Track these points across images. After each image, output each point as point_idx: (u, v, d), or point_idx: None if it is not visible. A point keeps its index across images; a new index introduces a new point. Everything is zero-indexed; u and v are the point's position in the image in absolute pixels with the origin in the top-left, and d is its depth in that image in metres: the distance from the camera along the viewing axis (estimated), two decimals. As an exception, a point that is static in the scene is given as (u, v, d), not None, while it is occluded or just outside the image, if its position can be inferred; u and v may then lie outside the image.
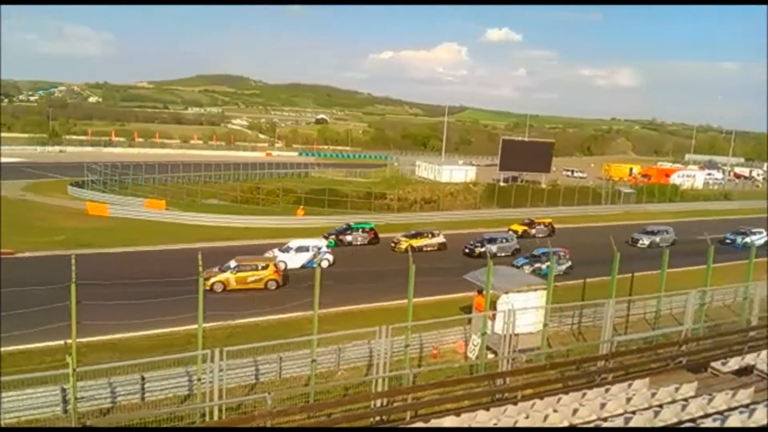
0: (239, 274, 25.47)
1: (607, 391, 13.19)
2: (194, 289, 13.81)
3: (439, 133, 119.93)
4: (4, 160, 74.72)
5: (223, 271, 25.56)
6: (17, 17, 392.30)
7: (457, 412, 11.77)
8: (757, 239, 38.32)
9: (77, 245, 30.22)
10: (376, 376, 14.68)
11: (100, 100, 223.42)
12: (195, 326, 14.02)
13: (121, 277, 24.72)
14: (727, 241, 39.67)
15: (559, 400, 12.45)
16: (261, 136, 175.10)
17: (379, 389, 14.30)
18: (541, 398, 12.46)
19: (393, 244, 35.13)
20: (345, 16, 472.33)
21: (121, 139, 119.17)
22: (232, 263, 25.92)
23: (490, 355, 17.42)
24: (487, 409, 11.85)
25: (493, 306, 17.74)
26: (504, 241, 35.47)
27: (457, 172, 67.59)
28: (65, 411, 13.43)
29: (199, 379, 13.34)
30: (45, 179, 58.39)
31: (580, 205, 55.63)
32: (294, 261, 29.66)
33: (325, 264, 28.65)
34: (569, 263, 30.02)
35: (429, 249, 34.95)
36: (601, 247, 22.20)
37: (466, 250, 34.28)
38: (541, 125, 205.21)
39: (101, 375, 13.86)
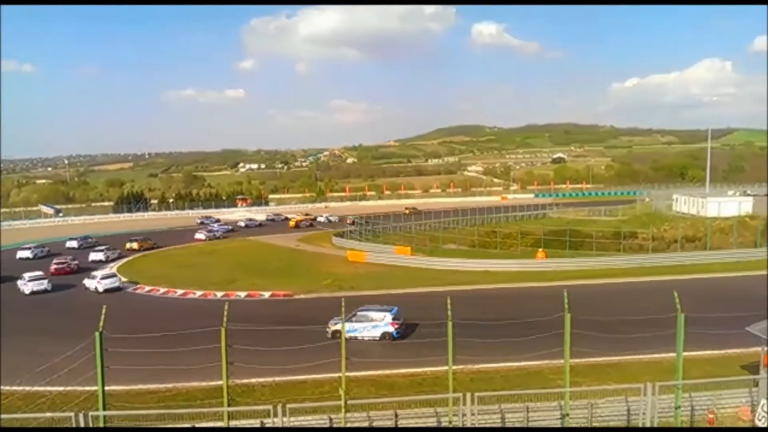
0: None
1: None
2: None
3: (701, 161, 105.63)
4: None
5: None
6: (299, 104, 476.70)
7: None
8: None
9: (341, 288, 34.38)
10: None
11: (355, 160, 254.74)
12: (440, 368, 14.36)
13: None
14: None
15: None
16: (496, 180, 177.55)
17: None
18: None
19: None
20: (581, 52, 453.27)
21: (372, 192, 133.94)
22: None
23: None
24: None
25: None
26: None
27: (728, 204, 58.94)
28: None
29: (450, 422, 13.62)
30: (315, 231, 68.65)
31: None
32: None
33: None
34: None
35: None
36: None
37: None
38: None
39: (363, 409, 15.07)
